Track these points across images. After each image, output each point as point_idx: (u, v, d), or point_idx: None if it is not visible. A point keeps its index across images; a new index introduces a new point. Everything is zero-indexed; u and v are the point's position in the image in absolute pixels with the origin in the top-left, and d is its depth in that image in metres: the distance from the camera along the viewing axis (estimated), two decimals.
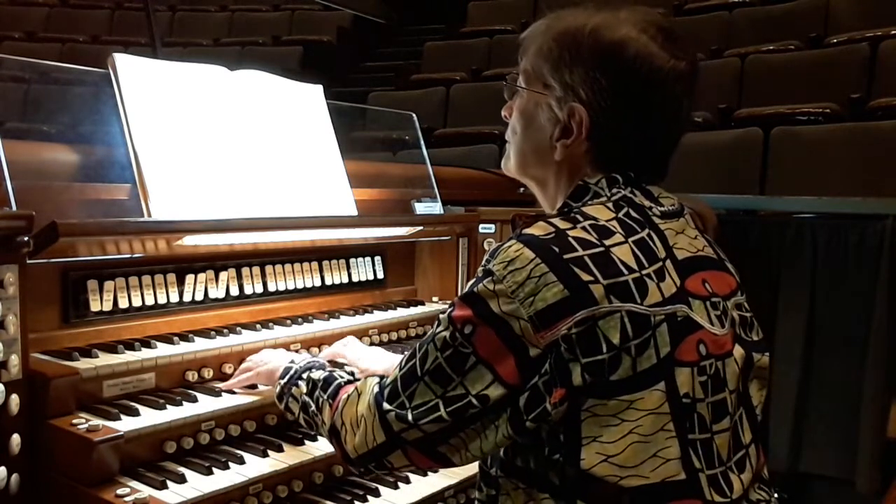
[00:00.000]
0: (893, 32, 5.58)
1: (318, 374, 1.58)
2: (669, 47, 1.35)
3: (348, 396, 1.43)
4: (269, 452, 1.76)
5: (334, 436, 1.44)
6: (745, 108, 5.53)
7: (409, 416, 1.29)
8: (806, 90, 5.32)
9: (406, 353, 1.37)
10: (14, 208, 1.59)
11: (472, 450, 1.29)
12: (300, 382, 1.59)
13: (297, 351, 2.08)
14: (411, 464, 1.35)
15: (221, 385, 1.88)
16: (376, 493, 1.81)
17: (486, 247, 2.75)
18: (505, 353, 1.24)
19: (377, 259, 2.56)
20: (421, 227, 2.57)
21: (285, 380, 1.64)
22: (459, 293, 1.33)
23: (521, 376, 1.24)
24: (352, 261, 2.48)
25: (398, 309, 2.50)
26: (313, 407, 1.53)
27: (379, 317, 2.38)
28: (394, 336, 2.42)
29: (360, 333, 2.28)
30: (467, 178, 3.25)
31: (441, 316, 1.31)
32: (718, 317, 1.33)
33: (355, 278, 2.49)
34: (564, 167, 1.41)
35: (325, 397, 1.50)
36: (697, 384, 1.27)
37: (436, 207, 2.72)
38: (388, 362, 1.91)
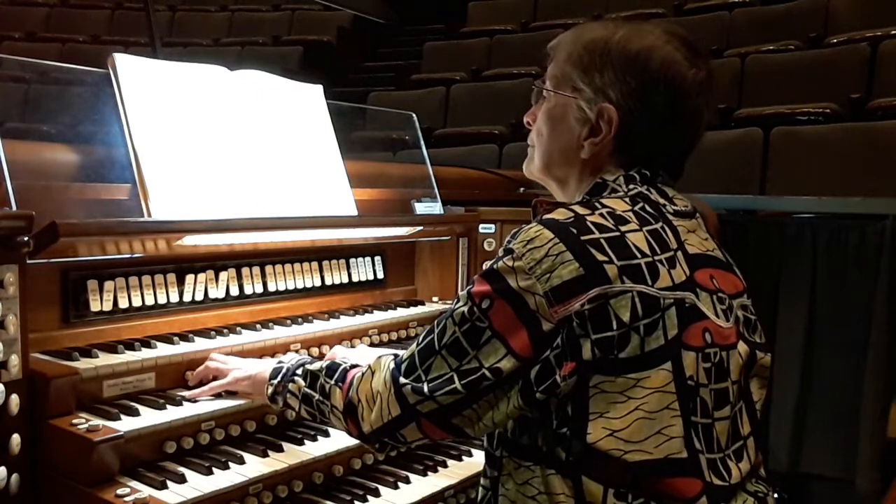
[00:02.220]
0: (893, 32, 5.59)
1: (316, 366, 1.60)
2: (691, 57, 1.42)
3: (362, 374, 1.48)
4: (269, 452, 1.76)
5: (350, 414, 1.47)
6: (745, 108, 5.53)
7: (425, 389, 1.34)
8: (806, 90, 5.33)
9: (422, 331, 1.42)
10: (14, 208, 1.59)
11: (485, 420, 1.34)
12: (296, 378, 1.61)
13: (296, 351, 2.08)
14: (424, 436, 1.40)
15: (186, 393, 1.77)
16: (376, 493, 1.81)
17: (486, 247, 2.75)
18: (518, 326, 1.29)
19: (377, 259, 2.56)
20: (421, 227, 2.57)
21: (279, 378, 1.65)
22: (467, 283, 1.38)
23: (533, 349, 1.29)
24: (352, 261, 2.47)
25: (398, 309, 2.50)
26: (317, 396, 1.55)
27: (379, 317, 2.38)
28: (394, 336, 2.41)
29: (360, 333, 2.28)
30: (467, 178, 3.25)
31: (460, 293, 1.37)
32: (724, 311, 1.38)
33: (355, 278, 2.49)
34: (588, 166, 1.47)
35: (332, 382, 1.53)
36: (702, 369, 1.31)
37: (436, 207, 2.72)
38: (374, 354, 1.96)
